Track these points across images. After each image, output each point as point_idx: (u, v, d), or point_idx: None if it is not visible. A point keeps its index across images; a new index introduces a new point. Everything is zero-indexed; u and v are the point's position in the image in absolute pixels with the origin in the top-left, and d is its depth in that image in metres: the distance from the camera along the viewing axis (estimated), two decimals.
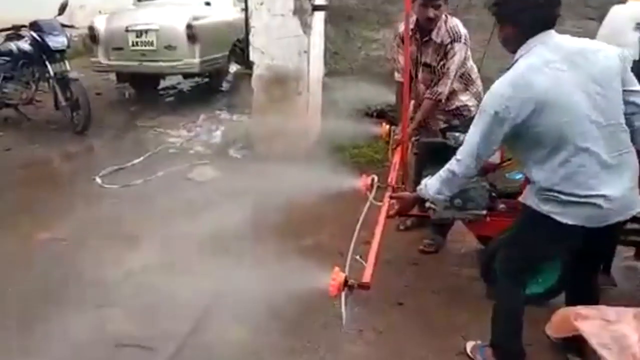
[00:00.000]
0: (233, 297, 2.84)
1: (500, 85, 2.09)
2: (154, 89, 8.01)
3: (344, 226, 2.54)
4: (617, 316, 1.84)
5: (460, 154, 2.24)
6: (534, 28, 2.11)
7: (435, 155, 3.09)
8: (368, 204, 2.71)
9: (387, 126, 3.61)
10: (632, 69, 2.60)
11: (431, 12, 3.15)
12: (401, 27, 3.28)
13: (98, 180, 4.77)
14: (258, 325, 2.73)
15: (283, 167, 5.02)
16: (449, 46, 3.20)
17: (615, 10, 2.74)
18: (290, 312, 2.78)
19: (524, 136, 2.10)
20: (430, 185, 2.38)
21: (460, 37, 3.21)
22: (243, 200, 4.37)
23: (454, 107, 3.42)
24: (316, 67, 5.31)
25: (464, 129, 3.21)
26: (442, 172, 2.31)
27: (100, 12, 8.78)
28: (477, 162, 2.22)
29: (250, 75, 5.23)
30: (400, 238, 3.70)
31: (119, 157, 5.25)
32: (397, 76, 3.55)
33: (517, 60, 2.14)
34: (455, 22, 3.25)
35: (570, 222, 2.09)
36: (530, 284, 2.87)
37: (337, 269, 2.09)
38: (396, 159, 3.26)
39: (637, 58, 2.64)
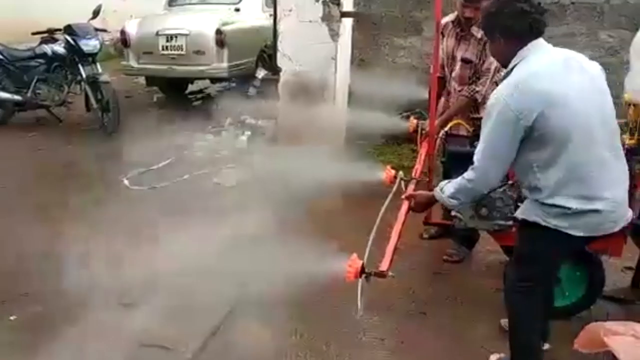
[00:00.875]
0: (257, 298, 2.86)
1: (506, 89, 2.09)
2: (182, 93, 8.13)
3: (370, 223, 2.55)
4: None
5: (476, 161, 2.19)
6: (523, 37, 2.13)
7: (462, 164, 3.06)
8: (389, 197, 2.69)
9: (415, 120, 3.64)
10: None
11: (469, 12, 3.20)
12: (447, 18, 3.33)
13: (125, 181, 4.85)
14: (281, 327, 2.74)
15: (308, 171, 5.03)
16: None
17: None
18: (315, 316, 2.78)
19: (530, 139, 2.07)
20: (446, 188, 2.34)
21: None
22: (269, 204, 4.39)
23: (482, 115, 3.38)
24: (343, 74, 5.32)
25: None
26: (460, 179, 2.27)
27: (131, 16, 8.98)
28: (495, 170, 2.16)
29: (277, 81, 5.26)
30: (424, 246, 3.67)
31: (146, 159, 5.32)
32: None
33: (512, 69, 2.15)
34: None
35: (578, 234, 2.09)
36: (557, 297, 2.83)
37: (354, 255, 2.10)
38: (422, 152, 3.26)
39: None
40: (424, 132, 3.43)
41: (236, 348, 2.64)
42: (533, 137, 2.05)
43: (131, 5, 11.61)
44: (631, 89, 2.77)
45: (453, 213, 3.00)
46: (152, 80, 7.79)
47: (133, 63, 7.20)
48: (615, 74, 5.80)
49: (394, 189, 2.84)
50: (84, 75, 6.05)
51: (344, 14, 4.89)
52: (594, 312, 2.89)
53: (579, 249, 2.24)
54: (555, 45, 2.23)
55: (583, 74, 2.12)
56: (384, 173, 2.99)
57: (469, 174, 2.22)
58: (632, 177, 2.69)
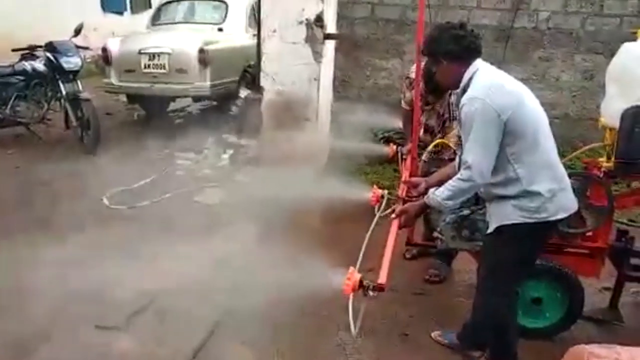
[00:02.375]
0: (240, 318, 2.83)
1: (479, 93, 2.27)
2: (164, 111, 8.09)
3: (355, 243, 2.56)
4: (631, 356, 1.81)
5: (471, 160, 2.28)
6: (464, 58, 2.37)
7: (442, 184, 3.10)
8: (377, 217, 2.71)
9: (394, 146, 3.79)
10: None
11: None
12: (412, 69, 3.43)
13: (105, 200, 4.78)
14: (263, 348, 2.71)
15: (291, 191, 5.03)
16: None
17: (627, 48, 2.76)
18: (297, 337, 2.76)
19: (506, 134, 2.27)
20: (440, 192, 2.40)
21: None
22: (251, 223, 4.38)
23: None
24: (325, 94, 5.36)
25: None
26: (454, 181, 2.35)
27: (113, 34, 8.96)
28: (487, 163, 2.28)
29: (260, 100, 5.27)
30: (406, 267, 3.68)
31: (127, 178, 5.26)
32: (403, 104, 3.72)
33: (467, 83, 2.34)
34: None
35: (559, 217, 2.34)
36: (538, 319, 2.86)
37: (352, 268, 2.09)
38: (405, 173, 3.34)
39: None
40: (404, 156, 3.52)
41: None
42: (507, 131, 2.26)
43: (112, 23, 11.64)
44: (607, 114, 2.83)
45: (435, 234, 3.03)
46: (133, 98, 7.75)
47: (114, 81, 7.15)
48: (592, 98, 6.01)
49: (382, 208, 2.85)
50: (64, 93, 6.00)
51: (327, 36, 4.95)
52: (573, 332, 2.91)
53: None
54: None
55: (524, 88, 2.40)
56: (371, 192, 3.01)
57: (465, 174, 2.31)
58: (610, 199, 2.76)
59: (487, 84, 2.30)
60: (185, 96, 7.48)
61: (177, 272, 3.41)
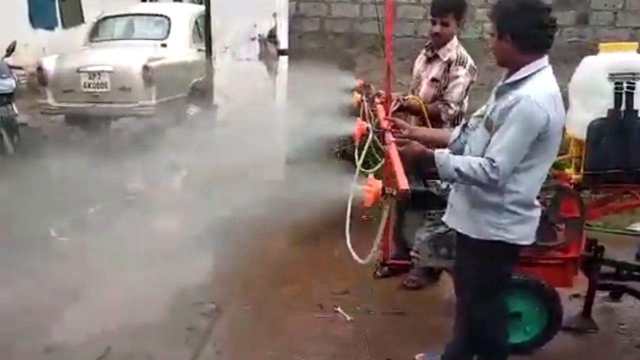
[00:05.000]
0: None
1: (543, 99, 2.10)
2: (107, 132, 7.71)
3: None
4: None
5: (499, 162, 2.10)
6: (537, 50, 2.15)
7: (416, 202, 3.05)
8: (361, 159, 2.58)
9: (359, 95, 3.54)
10: (608, 118, 2.73)
11: (437, 27, 3.28)
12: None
13: (51, 231, 4.46)
14: None
15: (248, 212, 4.88)
16: (453, 66, 3.28)
17: (588, 61, 2.83)
18: None
19: (536, 146, 2.14)
20: (457, 161, 2.20)
21: (465, 63, 3.30)
22: (209, 250, 4.19)
23: None
24: (281, 108, 5.25)
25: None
26: (474, 164, 2.14)
27: (44, 50, 8.49)
28: (510, 169, 2.13)
29: (212, 117, 5.11)
30: (379, 286, 3.60)
31: (72, 206, 4.94)
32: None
33: (524, 78, 2.15)
34: (467, 54, 3.35)
35: (526, 243, 2.28)
36: (518, 334, 2.85)
37: (371, 176, 2.02)
38: (380, 113, 3.09)
39: (611, 107, 2.71)
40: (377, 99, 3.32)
41: None
42: (538, 145, 2.13)
43: (43, 39, 11.04)
44: (572, 126, 2.87)
45: (412, 253, 2.98)
46: (72, 119, 7.34)
47: (51, 102, 6.78)
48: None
49: (367, 144, 2.68)
50: None
51: (282, 52, 4.86)
52: (550, 343, 2.92)
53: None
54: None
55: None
56: (355, 126, 2.85)
57: (493, 173, 2.10)
58: (582, 211, 2.80)
59: (553, 93, 2.14)
60: (130, 115, 7.16)
61: (135, 309, 3.20)
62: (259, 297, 3.51)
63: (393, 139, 2.56)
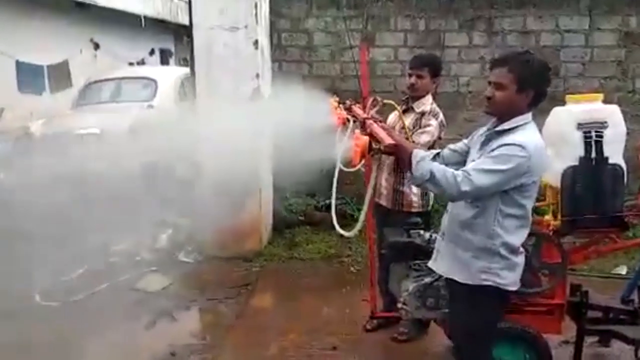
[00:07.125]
0: None
1: (537, 148, 2.19)
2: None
3: None
4: None
5: (475, 177, 2.15)
6: (538, 102, 2.27)
7: (400, 253, 3.09)
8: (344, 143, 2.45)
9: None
10: (580, 165, 2.83)
11: (413, 79, 3.41)
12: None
13: (36, 296, 4.39)
14: None
15: (236, 268, 4.87)
16: (425, 117, 3.38)
17: (557, 112, 2.94)
18: None
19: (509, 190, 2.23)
20: (430, 165, 2.19)
21: (437, 116, 3.40)
22: (198, 310, 4.17)
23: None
24: (267, 167, 5.34)
25: (426, 226, 3.29)
26: (448, 173, 2.16)
27: (31, 114, 8.56)
28: (478, 195, 2.21)
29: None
30: (369, 340, 3.57)
31: (58, 269, 4.88)
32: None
33: (515, 128, 2.23)
34: (439, 110, 3.46)
35: (515, 288, 2.34)
36: None
37: (357, 131, 2.16)
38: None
39: (582, 155, 2.81)
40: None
41: None
42: (512, 189, 2.21)
43: (30, 103, 11.13)
44: (547, 173, 2.95)
45: (399, 305, 2.98)
46: None
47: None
48: None
49: (348, 133, 2.54)
50: None
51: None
52: None
53: None
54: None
55: None
56: (332, 111, 2.78)
57: (464, 184, 2.14)
58: (563, 256, 2.86)
59: (541, 144, 2.24)
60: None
61: None
62: (247, 354, 3.47)
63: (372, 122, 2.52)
